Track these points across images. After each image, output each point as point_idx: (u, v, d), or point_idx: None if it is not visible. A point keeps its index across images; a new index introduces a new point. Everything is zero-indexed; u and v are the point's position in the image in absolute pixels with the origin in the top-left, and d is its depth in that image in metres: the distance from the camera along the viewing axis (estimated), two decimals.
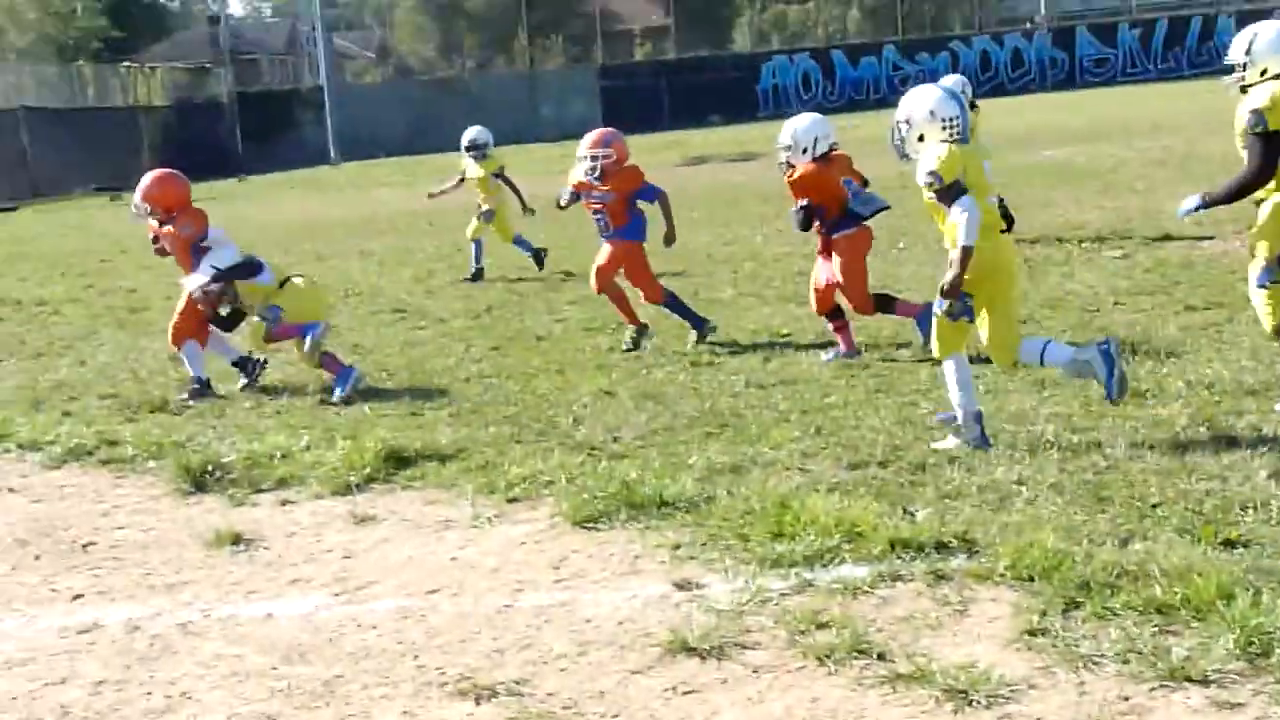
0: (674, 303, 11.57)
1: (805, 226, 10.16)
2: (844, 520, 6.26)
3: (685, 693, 4.92)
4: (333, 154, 63.26)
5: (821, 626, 5.30)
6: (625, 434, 8.45)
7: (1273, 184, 7.52)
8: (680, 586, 5.88)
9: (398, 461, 8.10)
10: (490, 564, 6.46)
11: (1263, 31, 7.65)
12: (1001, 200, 8.63)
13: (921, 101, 7.71)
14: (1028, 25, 70.46)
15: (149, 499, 8.09)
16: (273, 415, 9.81)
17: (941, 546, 5.98)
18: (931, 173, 7.43)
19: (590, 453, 8.03)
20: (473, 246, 16.84)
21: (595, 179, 11.51)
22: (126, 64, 72.97)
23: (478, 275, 16.64)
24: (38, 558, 7.16)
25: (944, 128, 7.58)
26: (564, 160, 19.75)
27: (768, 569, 5.94)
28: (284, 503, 7.76)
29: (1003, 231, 7.85)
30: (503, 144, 19.57)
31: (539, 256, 16.74)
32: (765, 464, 7.57)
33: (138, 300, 17.18)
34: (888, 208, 10.57)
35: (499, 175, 16.98)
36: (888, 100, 65.96)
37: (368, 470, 7.98)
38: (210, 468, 8.27)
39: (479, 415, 9.25)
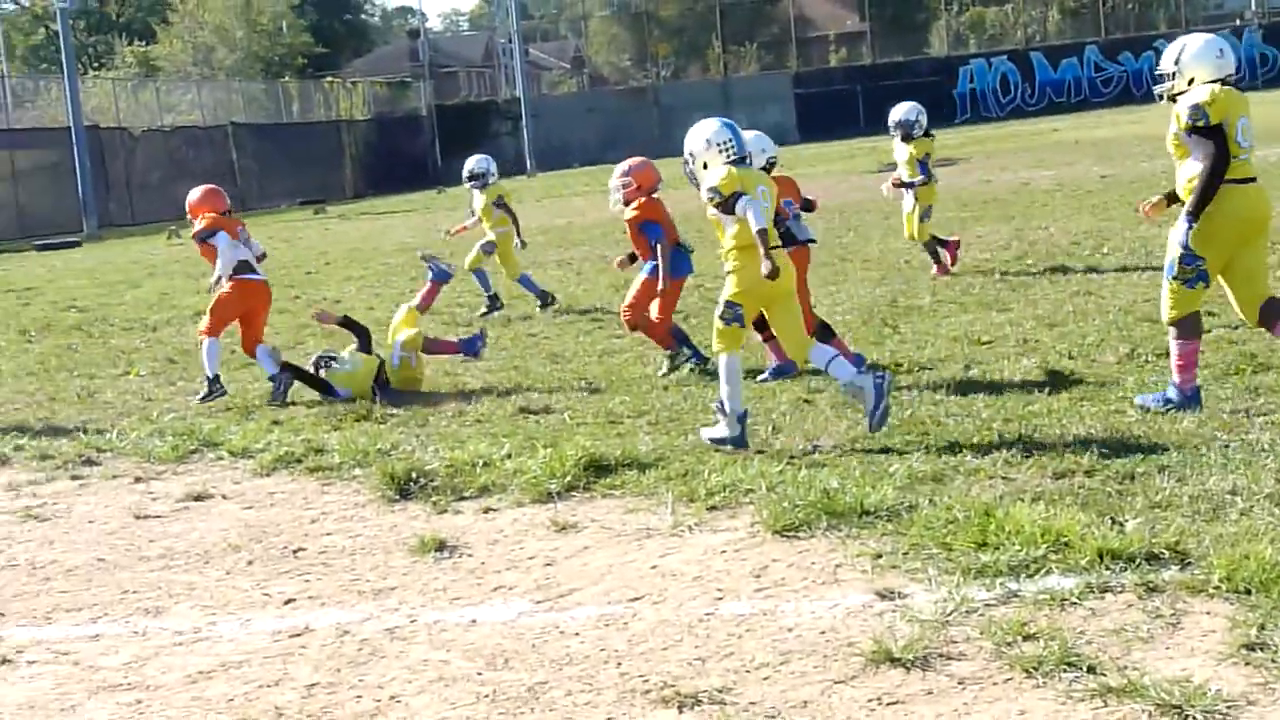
0: (680, 336, 11.44)
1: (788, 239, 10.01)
2: (1050, 530, 6.16)
3: (889, 703, 4.87)
4: (529, 164, 64.05)
5: (1028, 638, 5.21)
6: (825, 442, 8.41)
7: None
8: (883, 596, 5.83)
9: (598, 469, 8.15)
10: (691, 572, 6.47)
11: (1190, 44, 8.46)
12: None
13: (699, 134, 8.80)
14: (1238, 22, 68.83)
15: (355, 506, 8.25)
16: (474, 424, 9.94)
17: (1152, 558, 5.84)
18: (712, 189, 8.53)
19: (790, 461, 8.00)
20: (475, 277, 16.46)
21: (620, 208, 11.68)
22: (330, 79, 74.66)
23: (494, 304, 16.16)
24: (250, 563, 7.33)
25: (721, 151, 8.66)
26: None
27: (971, 579, 5.86)
28: (486, 510, 7.85)
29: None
30: None
31: (546, 298, 16.02)
32: (968, 472, 7.48)
33: (341, 310, 17.50)
34: (812, 241, 11.05)
35: (499, 204, 16.36)
36: (1089, 102, 65.05)
37: (568, 478, 8.04)
38: (414, 475, 8.39)
39: (678, 423, 9.28)
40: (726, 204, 8.49)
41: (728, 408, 8.48)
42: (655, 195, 11.65)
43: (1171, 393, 8.41)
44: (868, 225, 21.99)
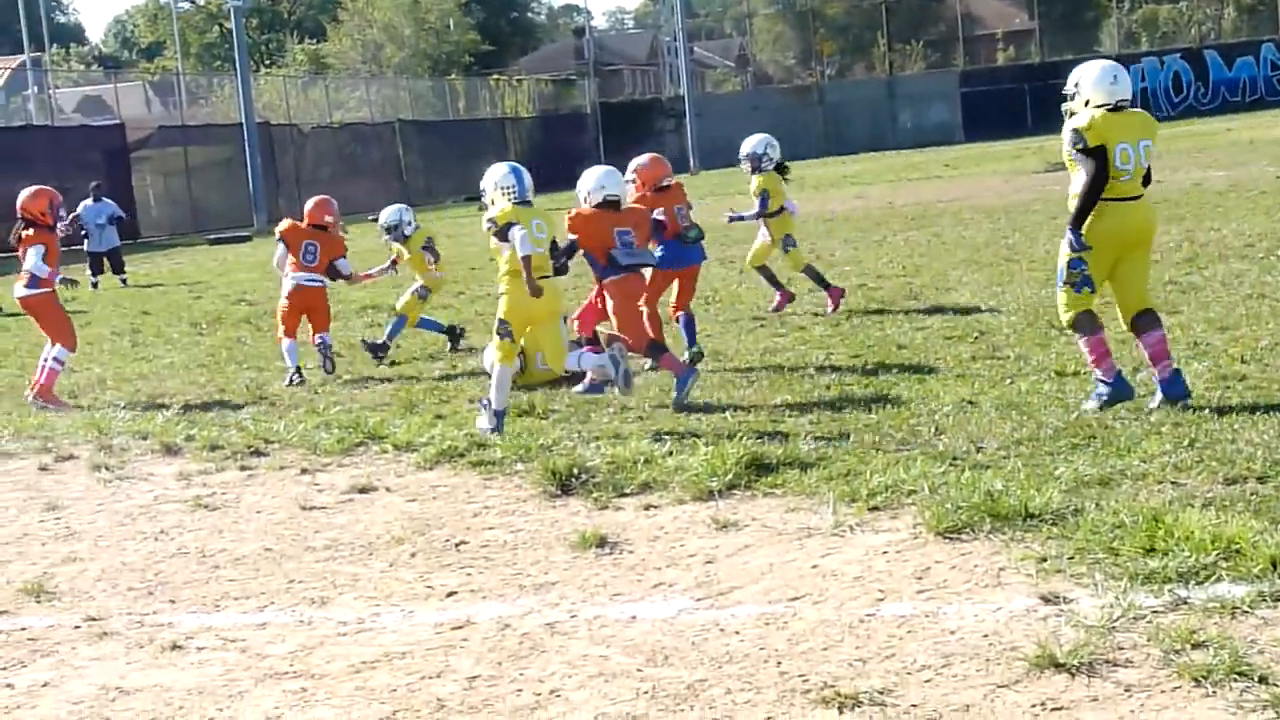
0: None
1: (561, 269, 10.75)
2: (1220, 537, 6.02)
3: (1054, 709, 4.80)
4: (692, 162, 64.11)
5: (1198, 646, 5.10)
6: (989, 444, 8.30)
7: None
8: (1047, 600, 5.74)
9: (759, 468, 8.13)
10: (852, 572, 6.43)
11: (1087, 69, 9.27)
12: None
13: (490, 177, 10.43)
14: None
15: (517, 500, 8.31)
16: (636, 421, 9.96)
17: None
18: (490, 219, 10.13)
19: (953, 462, 7.91)
20: (423, 327, 15.09)
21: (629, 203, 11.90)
22: (495, 76, 75.34)
23: (455, 336, 14.83)
24: (413, 555, 7.42)
25: (504, 193, 10.20)
26: (921, 168, 19.60)
27: (1139, 585, 5.75)
28: (647, 507, 7.86)
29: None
30: (860, 151, 19.45)
31: (454, 334, 14.85)
32: (1135, 477, 7.34)
33: None
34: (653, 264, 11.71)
35: (427, 247, 14.73)
36: (1265, 102, 63.55)
37: (730, 476, 8.02)
38: (576, 471, 8.43)
39: (840, 423, 9.22)
40: (501, 232, 10.00)
41: (493, 405, 9.97)
42: (661, 188, 12.36)
43: (1101, 389, 9.07)
44: (1034, 226, 21.67)
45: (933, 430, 8.77)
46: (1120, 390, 9.00)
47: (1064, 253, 9.10)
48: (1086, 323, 9.13)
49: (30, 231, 13.22)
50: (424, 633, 6.17)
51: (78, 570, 7.68)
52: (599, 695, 5.30)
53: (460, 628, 6.19)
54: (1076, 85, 9.23)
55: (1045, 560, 6.20)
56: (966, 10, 79.22)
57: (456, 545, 7.53)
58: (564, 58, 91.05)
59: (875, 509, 7.27)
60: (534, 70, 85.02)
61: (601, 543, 7.20)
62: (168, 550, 7.92)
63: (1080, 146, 8.91)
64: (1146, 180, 9.15)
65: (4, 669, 6.21)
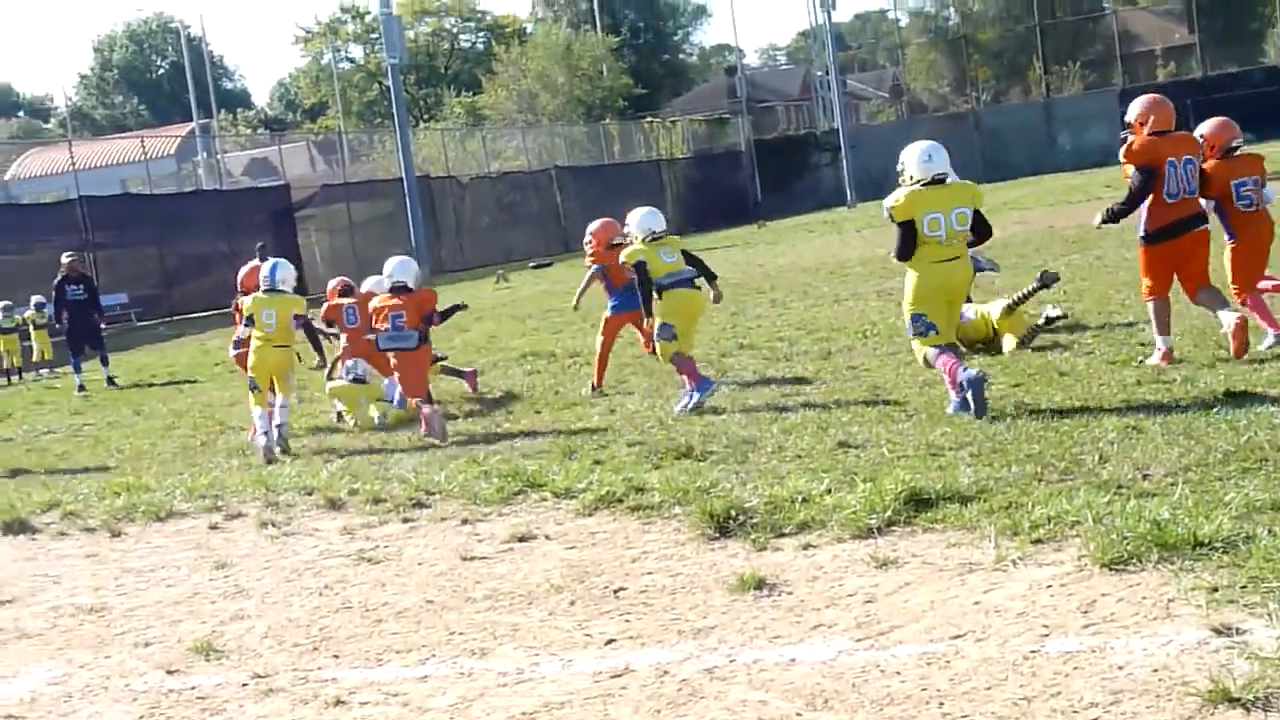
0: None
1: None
2: None
3: None
4: (849, 195, 63.86)
5: None
6: (1155, 471, 8.09)
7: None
8: (1219, 632, 5.56)
9: (918, 503, 8.00)
10: (1016, 608, 6.29)
11: (908, 151, 10.93)
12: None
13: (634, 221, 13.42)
14: None
15: (675, 544, 8.26)
16: (793, 459, 9.86)
17: None
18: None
19: (1118, 491, 7.71)
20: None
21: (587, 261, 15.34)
22: (649, 119, 75.72)
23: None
24: (572, 603, 7.40)
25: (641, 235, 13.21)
26: (1083, 189, 19.27)
27: None
28: (806, 546, 7.77)
29: None
30: (1019, 176, 19.19)
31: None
32: None
33: None
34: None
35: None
36: None
37: (888, 513, 7.90)
38: (734, 513, 8.36)
39: (1000, 454, 9.05)
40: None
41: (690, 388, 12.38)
42: (614, 246, 14.67)
43: (956, 396, 10.61)
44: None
45: (1096, 458, 8.57)
46: (973, 382, 10.37)
47: (905, 311, 11.11)
48: (935, 354, 10.78)
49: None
50: (583, 682, 6.15)
51: (245, 628, 7.78)
52: None
53: (619, 675, 6.16)
54: (901, 165, 10.94)
55: (1216, 590, 6.01)
56: (1124, 28, 78.03)
57: (615, 592, 7.50)
58: (717, 97, 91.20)
59: (1038, 541, 7.11)
60: (687, 110, 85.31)
61: (760, 585, 7.13)
62: (332, 605, 8.00)
63: (891, 220, 10.76)
64: (988, 234, 11.14)
65: None
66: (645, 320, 13.42)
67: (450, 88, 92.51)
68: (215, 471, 12.75)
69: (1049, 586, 6.49)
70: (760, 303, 22.42)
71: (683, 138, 75.00)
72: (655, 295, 12.95)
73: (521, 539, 8.85)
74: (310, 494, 11.05)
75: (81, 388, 24.21)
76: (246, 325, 14.63)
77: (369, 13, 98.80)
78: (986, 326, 13.79)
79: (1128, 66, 77.06)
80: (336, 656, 7.04)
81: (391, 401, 14.50)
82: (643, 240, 13.24)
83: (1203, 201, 11.82)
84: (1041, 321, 13.91)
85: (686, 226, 65.23)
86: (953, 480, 8.36)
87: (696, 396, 12.51)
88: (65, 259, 25.79)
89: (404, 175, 49.14)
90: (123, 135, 78.95)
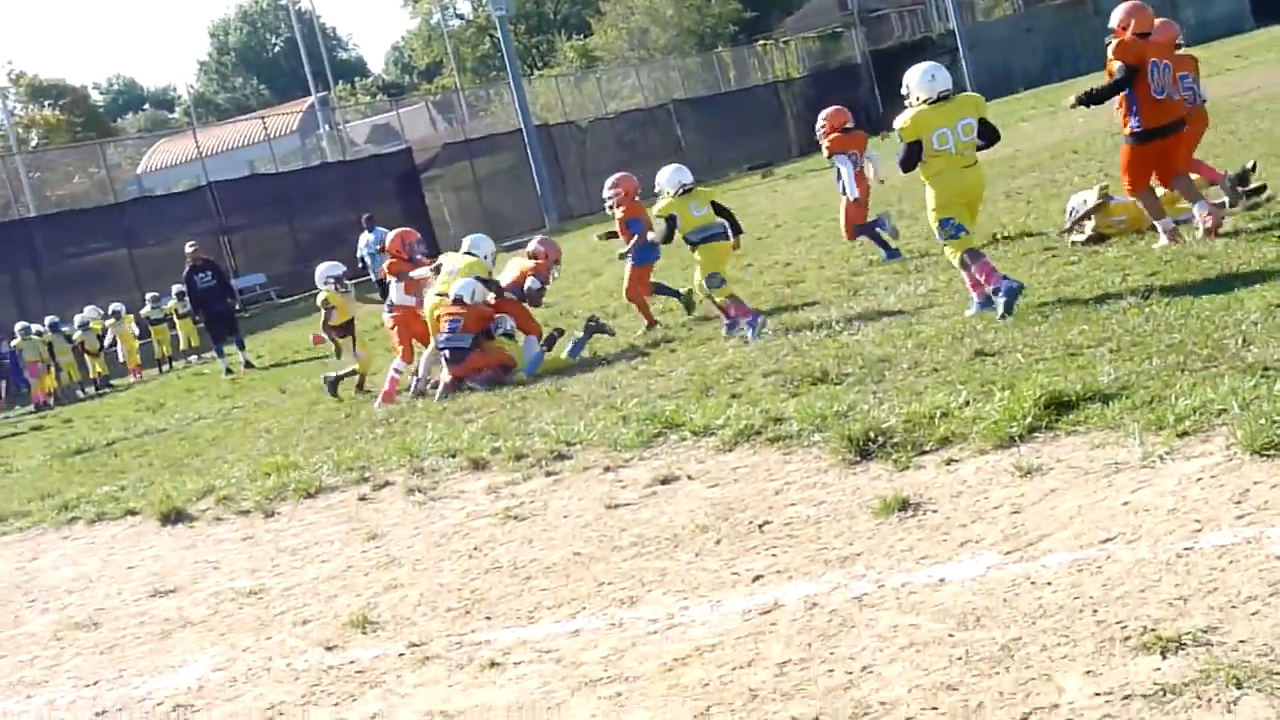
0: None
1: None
2: None
3: None
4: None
5: None
6: None
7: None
8: None
9: (1059, 407, 7.84)
10: (1166, 505, 6.15)
11: (911, 73, 11.73)
12: None
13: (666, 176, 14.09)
14: None
15: (817, 472, 8.19)
16: (930, 373, 9.70)
17: None
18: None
19: (1264, 374, 7.48)
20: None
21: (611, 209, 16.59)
22: (762, 42, 75.10)
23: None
24: (718, 542, 7.37)
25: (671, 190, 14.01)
26: (1209, 62, 18.72)
27: None
28: (948, 462, 7.67)
29: None
30: None
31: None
32: None
33: (793, 273, 17.57)
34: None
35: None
36: None
37: (1029, 420, 7.76)
38: (873, 434, 8.27)
39: (1140, 347, 8.83)
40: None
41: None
42: (637, 199, 16.26)
43: (978, 297, 11.53)
44: None
45: (1240, 342, 8.33)
46: (1011, 291, 11.06)
47: (931, 219, 11.88)
48: (972, 254, 11.52)
49: (391, 263, 16.62)
50: (733, 622, 6.12)
51: (399, 597, 7.86)
52: (912, 667, 5.18)
53: (768, 612, 6.12)
54: (907, 87, 11.69)
55: None
56: None
57: (760, 527, 7.46)
58: (829, 11, 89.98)
59: (1184, 434, 6.94)
60: (800, 29, 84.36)
61: (904, 506, 7.05)
62: (482, 567, 8.04)
63: (899, 139, 11.58)
64: (996, 138, 11.84)
65: (336, 704, 6.38)
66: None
67: (560, 33, 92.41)
68: (360, 443, 12.88)
69: (1199, 480, 6.34)
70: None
71: (797, 57, 74.28)
72: (691, 248, 14.17)
73: (664, 481, 8.82)
74: (454, 456, 11.11)
75: (229, 370, 24.63)
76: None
77: None
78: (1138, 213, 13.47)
79: None
80: (489, 618, 7.08)
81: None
82: (673, 194, 14.10)
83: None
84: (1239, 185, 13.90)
85: (810, 147, 64.76)
86: (1092, 379, 8.18)
87: (752, 329, 13.19)
88: (189, 249, 26.26)
89: (523, 126, 49.30)
90: (245, 117, 79.81)
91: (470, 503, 9.69)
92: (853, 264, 17.05)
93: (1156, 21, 13.00)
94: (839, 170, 17.33)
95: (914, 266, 15.45)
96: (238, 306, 26.81)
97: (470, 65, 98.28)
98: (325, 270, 18.26)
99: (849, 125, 17.71)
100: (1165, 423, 7.11)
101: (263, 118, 61.46)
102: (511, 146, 52.64)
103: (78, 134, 71.58)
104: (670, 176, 14.20)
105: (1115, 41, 12.62)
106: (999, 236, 15.79)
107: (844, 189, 17.28)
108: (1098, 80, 13.32)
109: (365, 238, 30.07)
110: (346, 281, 18.30)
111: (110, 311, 31.35)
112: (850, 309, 13.36)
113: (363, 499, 10.70)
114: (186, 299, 29.17)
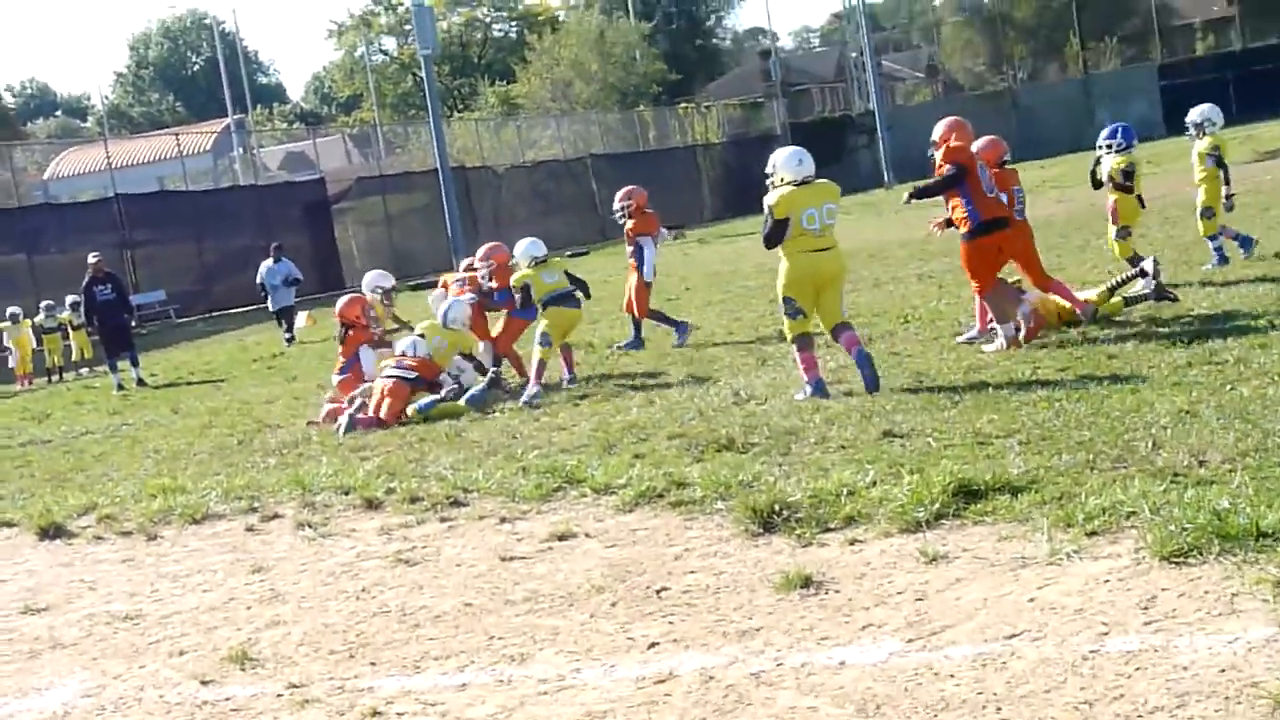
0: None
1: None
2: None
3: None
4: (887, 176, 63.49)
5: None
6: (1212, 457, 7.83)
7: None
8: None
9: (967, 495, 7.76)
10: (1073, 604, 6.07)
11: (778, 155, 12.31)
12: None
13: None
14: None
15: (719, 541, 8.06)
16: (837, 450, 9.62)
17: None
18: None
19: (1174, 479, 7.47)
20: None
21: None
22: (684, 104, 75.40)
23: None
24: (614, 604, 7.21)
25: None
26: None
27: None
28: (853, 541, 7.56)
29: None
30: (1059, 154, 18.98)
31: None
32: None
33: (701, 338, 17.50)
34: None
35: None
36: None
37: (937, 505, 7.67)
38: (778, 507, 8.14)
39: (1050, 442, 8.79)
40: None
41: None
42: (648, 211, 17.36)
43: (806, 389, 11.83)
44: (1247, 219, 20.73)
45: (1150, 445, 8.30)
46: (819, 392, 11.70)
47: (779, 292, 12.24)
48: (803, 341, 12.03)
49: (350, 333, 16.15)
50: (626, 688, 5.96)
51: (281, 634, 7.62)
52: None
53: (663, 681, 5.97)
54: (773, 167, 12.15)
55: None
56: (1161, 2, 77.27)
57: (658, 592, 7.31)
58: (751, 81, 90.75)
59: (1093, 534, 6.88)
60: (722, 96, 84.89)
61: (806, 583, 6.93)
62: (369, 609, 7.83)
63: (767, 215, 12.01)
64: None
65: None
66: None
67: (484, 77, 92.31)
68: (252, 471, 12.60)
69: (1106, 581, 6.27)
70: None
71: (718, 123, 74.62)
72: (540, 309, 14.98)
73: (561, 537, 8.66)
74: (347, 493, 10.87)
75: (120, 387, 24.18)
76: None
77: (401, 4, 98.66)
78: (1058, 309, 13.54)
79: (1165, 40, 76.42)
80: (373, 664, 6.87)
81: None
82: (528, 266, 15.16)
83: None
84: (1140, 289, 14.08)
85: (724, 212, 65.05)
86: (1002, 470, 8.12)
87: (529, 400, 14.08)
88: (91, 259, 25.80)
89: (439, 166, 48.99)
90: (158, 133, 79.07)
91: (361, 542, 9.46)
92: (761, 332, 17.00)
93: (985, 139, 13.88)
94: (642, 250, 17.76)
95: (824, 340, 15.39)
96: (134, 322, 26.26)
97: (390, 101, 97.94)
98: (375, 279, 17.76)
99: (647, 208, 18.12)
100: (1074, 520, 7.05)
101: (176, 135, 60.84)
102: (426, 186, 52.33)
103: None
104: (524, 250, 15.30)
105: (942, 149, 13.25)
106: (909, 319, 15.79)
107: (647, 269, 17.76)
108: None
109: (267, 264, 29.75)
110: (393, 295, 17.74)
111: (8, 315, 30.74)
112: (757, 378, 13.28)
113: (250, 529, 10.44)
114: (81, 309, 28.71)
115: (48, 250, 41.21)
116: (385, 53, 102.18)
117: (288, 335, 29.02)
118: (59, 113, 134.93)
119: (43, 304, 31.50)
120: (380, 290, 17.38)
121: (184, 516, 11.01)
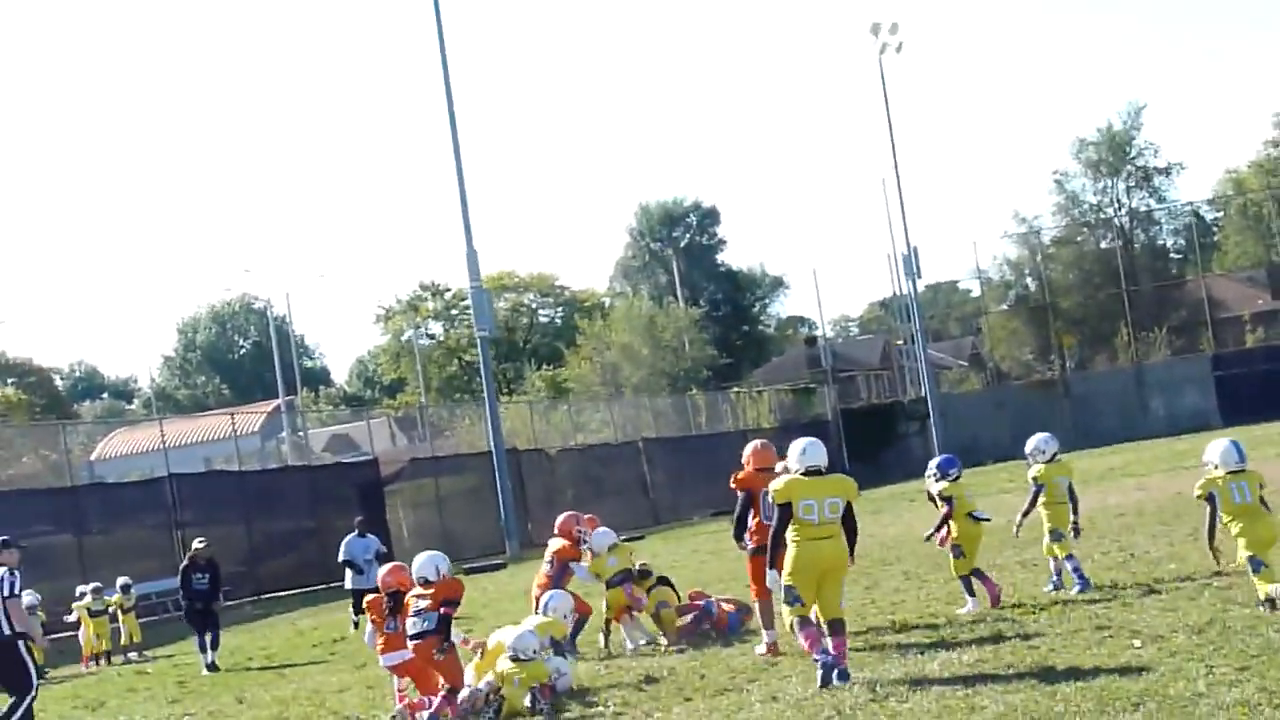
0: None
1: None
2: None
3: None
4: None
5: None
6: None
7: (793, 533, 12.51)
8: None
9: None
10: None
11: (792, 447, 12.85)
12: None
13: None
14: None
15: None
16: None
17: None
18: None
19: None
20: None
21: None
22: (735, 389, 75.47)
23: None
24: None
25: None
26: (1180, 457, 18.54)
27: None
28: None
29: None
30: (1113, 443, 18.35)
31: None
32: None
33: None
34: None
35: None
36: None
37: None
38: None
39: None
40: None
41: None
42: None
43: (817, 659, 12.15)
44: None
45: None
46: (826, 665, 12.08)
47: (784, 578, 12.50)
48: (802, 621, 12.35)
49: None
50: None
51: None
52: None
53: None
54: (784, 458, 13.03)
55: None
56: (1208, 294, 77.48)
57: None
58: (796, 367, 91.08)
59: None
60: (768, 380, 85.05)
61: None
62: None
63: (775, 501, 12.59)
64: (853, 533, 12.68)
65: None
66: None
67: (530, 361, 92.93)
68: None
69: None
70: (892, 575, 21.30)
71: (769, 408, 74.58)
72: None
73: None
74: None
75: (212, 666, 23.15)
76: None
77: (448, 289, 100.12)
78: None
79: (1216, 331, 76.37)
80: None
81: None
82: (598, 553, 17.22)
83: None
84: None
85: None
86: None
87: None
88: (197, 545, 24.76)
89: (493, 448, 48.63)
90: (211, 413, 79.40)
91: None
92: (869, 620, 16.10)
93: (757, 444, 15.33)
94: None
95: (946, 634, 14.53)
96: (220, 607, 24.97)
97: (435, 385, 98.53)
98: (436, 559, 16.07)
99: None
100: None
101: (231, 414, 60.79)
102: (476, 468, 51.90)
103: (37, 414, 70.83)
104: (599, 539, 17.36)
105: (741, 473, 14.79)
106: (898, 626, 15.12)
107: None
108: None
109: (351, 539, 28.04)
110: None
111: (79, 594, 29.96)
112: (886, 671, 12.42)
113: None
114: (134, 590, 27.86)
115: (93, 530, 40.56)
116: (432, 336, 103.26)
117: (356, 618, 27.11)
118: (105, 395, 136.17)
119: (90, 586, 30.61)
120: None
121: None
